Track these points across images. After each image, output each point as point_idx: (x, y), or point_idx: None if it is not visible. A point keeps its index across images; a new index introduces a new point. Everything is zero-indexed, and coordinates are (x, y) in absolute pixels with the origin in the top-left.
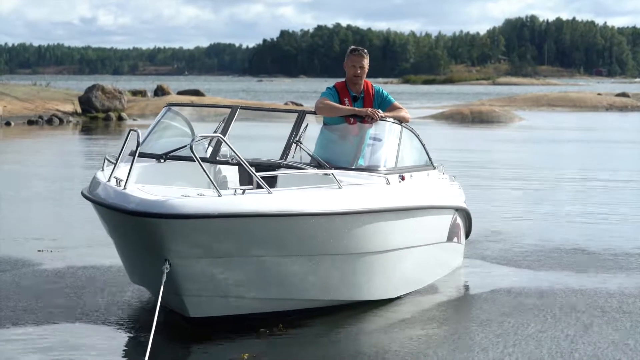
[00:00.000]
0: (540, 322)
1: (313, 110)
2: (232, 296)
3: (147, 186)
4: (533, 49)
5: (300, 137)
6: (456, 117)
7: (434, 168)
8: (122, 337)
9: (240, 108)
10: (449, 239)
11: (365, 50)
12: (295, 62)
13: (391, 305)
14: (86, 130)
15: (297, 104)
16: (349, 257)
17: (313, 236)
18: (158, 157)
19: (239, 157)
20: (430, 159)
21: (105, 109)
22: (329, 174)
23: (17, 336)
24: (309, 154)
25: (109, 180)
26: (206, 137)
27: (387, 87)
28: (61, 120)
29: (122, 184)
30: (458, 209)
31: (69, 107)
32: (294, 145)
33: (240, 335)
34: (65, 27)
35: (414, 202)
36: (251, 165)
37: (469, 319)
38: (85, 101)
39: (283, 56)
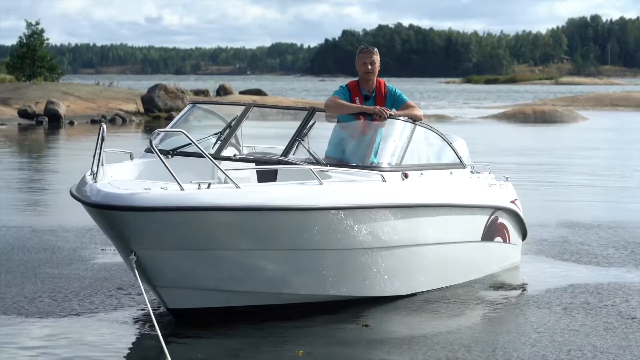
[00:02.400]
0: (592, 319)
1: (323, 108)
2: (208, 289)
3: (120, 180)
4: (596, 49)
5: (304, 134)
6: (519, 116)
7: (464, 167)
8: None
9: (254, 106)
10: (487, 238)
11: (375, 49)
12: None
13: (440, 303)
14: (149, 129)
15: None
16: (323, 253)
17: (278, 231)
18: (166, 153)
19: (202, 150)
20: (459, 158)
21: (168, 109)
22: (325, 170)
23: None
24: (308, 151)
25: (90, 175)
26: (166, 132)
27: (450, 87)
28: (124, 120)
29: (95, 177)
30: (499, 209)
31: (131, 107)
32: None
33: (295, 331)
34: (131, 27)
35: (415, 200)
36: (252, 161)
37: (522, 313)
38: (148, 101)
39: (345, 56)
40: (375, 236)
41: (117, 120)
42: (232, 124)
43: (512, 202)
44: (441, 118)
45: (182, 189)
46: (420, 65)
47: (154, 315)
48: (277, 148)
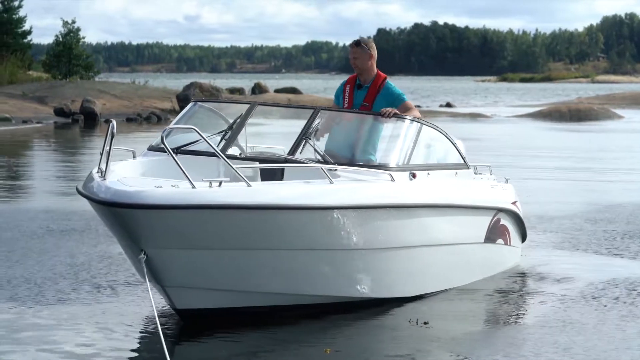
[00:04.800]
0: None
1: (328, 107)
2: (217, 289)
3: (128, 177)
4: (632, 47)
5: (310, 133)
6: (554, 115)
7: (468, 167)
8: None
9: (258, 104)
10: (489, 240)
11: (359, 41)
12: (392, 60)
13: (451, 301)
14: None
15: None
16: (336, 253)
17: (291, 230)
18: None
19: (215, 149)
20: (463, 158)
21: (219, 100)
22: (334, 169)
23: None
24: (315, 150)
25: (97, 172)
26: (178, 129)
27: (485, 85)
28: (159, 118)
29: (104, 175)
30: (502, 210)
31: (166, 105)
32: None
33: (322, 329)
34: (169, 25)
35: (420, 200)
36: (258, 161)
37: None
38: (183, 99)
39: (379, 54)
40: (387, 236)
41: (152, 118)
42: (236, 123)
43: (513, 203)
44: (476, 116)
45: (193, 187)
46: (455, 63)
47: (160, 318)
48: (276, 148)
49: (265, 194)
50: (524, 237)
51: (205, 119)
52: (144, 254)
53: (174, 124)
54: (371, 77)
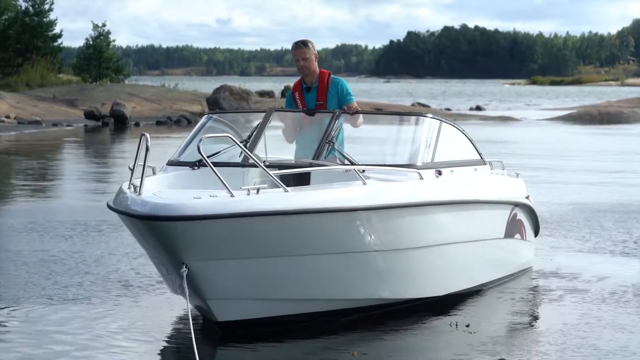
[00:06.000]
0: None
1: (347, 111)
2: (259, 298)
3: (163, 191)
4: None
5: (332, 137)
6: (585, 118)
7: (485, 163)
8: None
9: (275, 111)
10: (509, 235)
11: (305, 41)
12: (422, 63)
13: (477, 303)
14: None
15: (424, 105)
16: (376, 254)
17: (334, 233)
18: (191, 165)
19: (251, 157)
20: (480, 154)
21: (233, 110)
22: (361, 170)
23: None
24: (340, 152)
25: (128, 188)
26: (214, 137)
27: (515, 88)
28: (189, 121)
29: (138, 190)
30: (518, 205)
31: (196, 108)
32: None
33: (350, 332)
34: (200, 29)
35: (450, 197)
36: (278, 167)
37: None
38: (213, 102)
39: (409, 57)
40: (426, 234)
41: (182, 122)
42: (255, 131)
43: (526, 197)
44: (506, 119)
45: (232, 195)
46: (485, 66)
47: (195, 329)
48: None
49: (306, 199)
50: (536, 232)
51: (218, 132)
52: (185, 267)
53: (189, 138)
54: (316, 77)
